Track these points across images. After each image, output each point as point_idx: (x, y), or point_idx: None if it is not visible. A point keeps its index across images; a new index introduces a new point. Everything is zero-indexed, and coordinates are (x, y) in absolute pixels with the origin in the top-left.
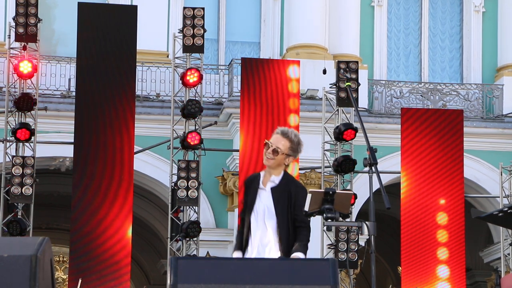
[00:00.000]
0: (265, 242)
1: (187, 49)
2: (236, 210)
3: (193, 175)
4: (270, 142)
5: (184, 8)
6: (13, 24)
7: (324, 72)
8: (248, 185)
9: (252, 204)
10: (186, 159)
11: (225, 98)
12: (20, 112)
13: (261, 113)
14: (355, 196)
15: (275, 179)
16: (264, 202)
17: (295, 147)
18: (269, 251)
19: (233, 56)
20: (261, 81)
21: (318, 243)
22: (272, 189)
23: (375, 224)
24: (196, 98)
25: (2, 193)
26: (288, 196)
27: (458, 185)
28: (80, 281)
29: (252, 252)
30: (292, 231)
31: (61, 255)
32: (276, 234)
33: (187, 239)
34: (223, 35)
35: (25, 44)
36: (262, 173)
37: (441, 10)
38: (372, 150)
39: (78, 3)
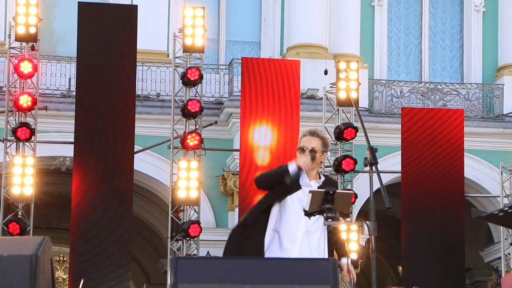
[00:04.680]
0: None
1: (187, 48)
2: (236, 209)
3: (194, 175)
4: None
5: (184, 7)
6: (13, 24)
7: (326, 73)
8: None
9: None
10: (186, 159)
11: (225, 97)
12: (20, 112)
13: (262, 113)
14: (355, 195)
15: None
16: None
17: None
18: None
19: (233, 56)
20: (262, 80)
21: None
22: None
23: (375, 224)
24: (197, 98)
25: (2, 193)
26: None
27: (458, 185)
28: (82, 281)
29: None
30: None
31: (61, 255)
32: None
33: (187, 239)
34: (223, 35)
35: (25, 43)
36: None
37: (442, 9)
38: (372, 150)
39: (78, 2)
